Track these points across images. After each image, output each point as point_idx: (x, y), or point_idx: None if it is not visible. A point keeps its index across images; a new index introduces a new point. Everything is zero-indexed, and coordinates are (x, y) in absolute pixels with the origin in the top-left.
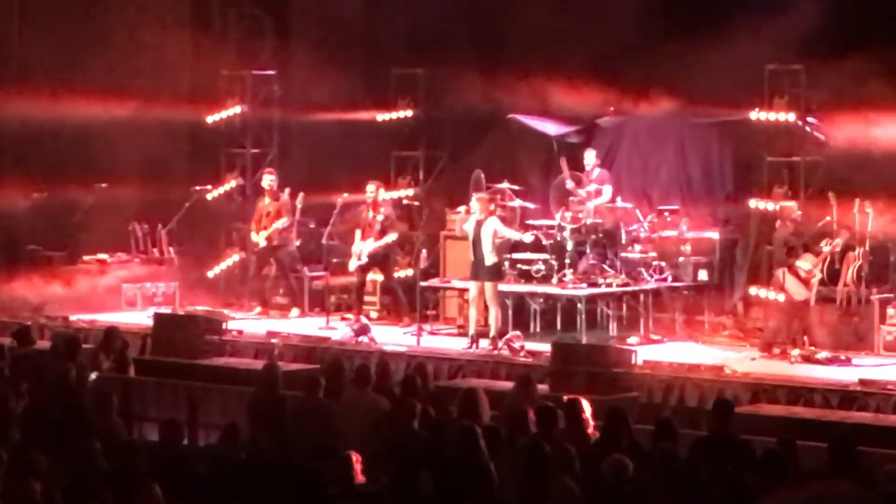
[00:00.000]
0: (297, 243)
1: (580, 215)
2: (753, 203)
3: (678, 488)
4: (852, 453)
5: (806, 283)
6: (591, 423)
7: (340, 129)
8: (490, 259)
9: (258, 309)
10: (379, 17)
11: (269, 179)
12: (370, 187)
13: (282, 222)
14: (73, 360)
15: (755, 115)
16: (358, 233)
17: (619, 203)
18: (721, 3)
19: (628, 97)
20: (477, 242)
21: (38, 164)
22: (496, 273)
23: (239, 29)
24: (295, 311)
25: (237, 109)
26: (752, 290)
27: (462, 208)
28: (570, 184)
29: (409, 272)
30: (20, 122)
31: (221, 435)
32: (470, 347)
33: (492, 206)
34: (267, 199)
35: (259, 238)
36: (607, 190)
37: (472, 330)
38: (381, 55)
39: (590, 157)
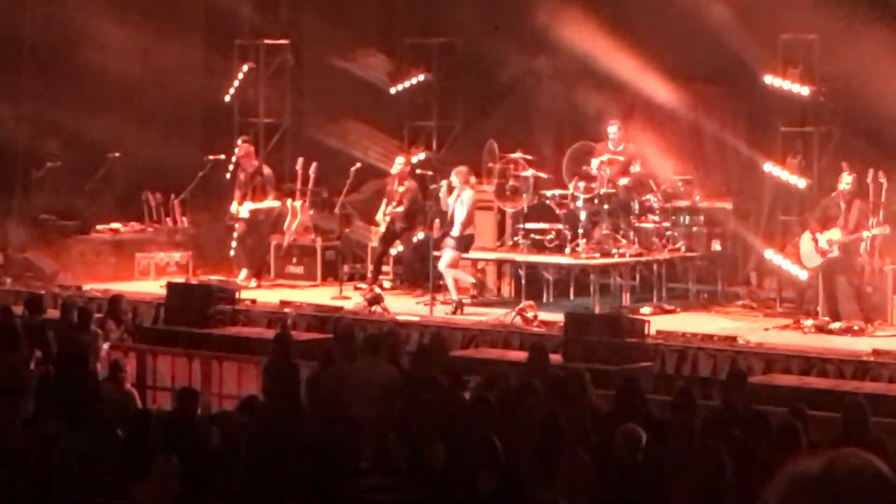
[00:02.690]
0: (311, 212)
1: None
2: (768, 168)
3: (692, 459)
4: (864, 423)
5: (822, 253)
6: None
7: (353, 99)
8: (457, 230)
9: (253, 281)
10: None
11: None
12: (399, 159)
13: (269, 201)
14: (84, 329)
15: (770, 79)
16: (383, 203)
17: (633, 171)
18: None
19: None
20: (452, 213)
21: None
22: (461, 245)
23: None
24: (243, 273)
25: (245, 68)
26: (768, 254)
27: (444, 182)
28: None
29: (421, 235)
30: None
31: (238, 406)
32: (454, 314)
33: (472, 180)
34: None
35: (242, 209)
36: (637, 166)
37: (454, 296)
38: (394, 24)
39: (613, 129)
